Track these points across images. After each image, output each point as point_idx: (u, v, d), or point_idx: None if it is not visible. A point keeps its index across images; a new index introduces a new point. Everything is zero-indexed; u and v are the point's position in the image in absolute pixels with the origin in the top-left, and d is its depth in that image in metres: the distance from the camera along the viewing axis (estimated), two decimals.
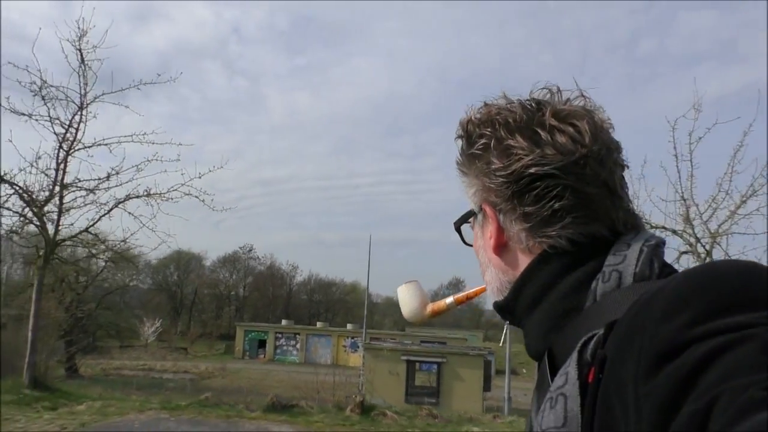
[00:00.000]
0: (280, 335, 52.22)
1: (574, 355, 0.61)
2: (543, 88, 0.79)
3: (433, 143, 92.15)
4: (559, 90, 0.79)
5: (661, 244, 0.72)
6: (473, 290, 0.96)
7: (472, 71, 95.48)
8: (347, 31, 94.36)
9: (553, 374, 0.66)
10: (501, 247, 0.78)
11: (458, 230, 0.87)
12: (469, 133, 0.80)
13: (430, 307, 1.02)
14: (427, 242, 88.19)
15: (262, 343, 52.50)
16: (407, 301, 1.04)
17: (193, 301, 68.12)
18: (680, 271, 0.62)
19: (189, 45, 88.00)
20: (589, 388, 0.58)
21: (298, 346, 51.72)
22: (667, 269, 0.69)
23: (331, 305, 73.41)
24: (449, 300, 1.01)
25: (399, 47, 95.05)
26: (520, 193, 0.74)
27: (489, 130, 0.77)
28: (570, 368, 0.60)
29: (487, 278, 0.82)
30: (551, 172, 0.72)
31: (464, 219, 0.85)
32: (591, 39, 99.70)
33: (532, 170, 0.72)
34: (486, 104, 0.80)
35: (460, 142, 0.82)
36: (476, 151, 0.78)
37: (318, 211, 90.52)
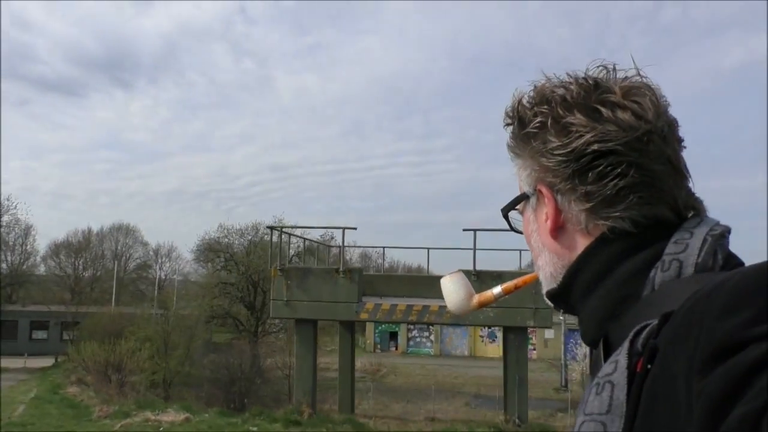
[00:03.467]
0: (412, 327, 52.02)
1: (626, 344, 0.60)
2: (599, 66, 0.75)
3: (444, 122, 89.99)
4: (615, 68, 0.75)
5: (726, 233, 0.69)
6: (522, 278, 0.95)
7: (484, 46, 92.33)
8: (356, 9, 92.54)
9: (607, 359, 0.64)
10: (558, 230, 0.75)
11: (506, 216, 0.83)
12: (521, 114, 0.76)
13: (477, 298, 1.00)
14: (439, 225, 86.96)
15: (393, 335, 52.40)
16: (453, 292, 1.01)
17: None
18: (746, 264, 0.61)
19: (194, 26, 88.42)
20: (636, 378, 0.57)
21: (432, 337, 51.37)
22: (733, 260, 0.67)
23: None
24: (497, 290, 0.98)
25: (409, 24, 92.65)
26: (581, 172, 0.71)
27: (545, 108, 0.74)
28: (620, 356, 0.59)
29: (540, 263, 0.78)
30: (615, 148, 0.69)
31: (515, 203, 0.81)
32: (611, 9, 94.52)
33: (595, 147, 0.70)
34: (536, 86, 0.77)
35: (510, 128, 0.79)
36: (531, 131, 0.75)
37: (330, 195, 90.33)
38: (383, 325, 52.85)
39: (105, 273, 55.24)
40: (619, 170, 0.69)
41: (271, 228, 13.98)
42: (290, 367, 22.58)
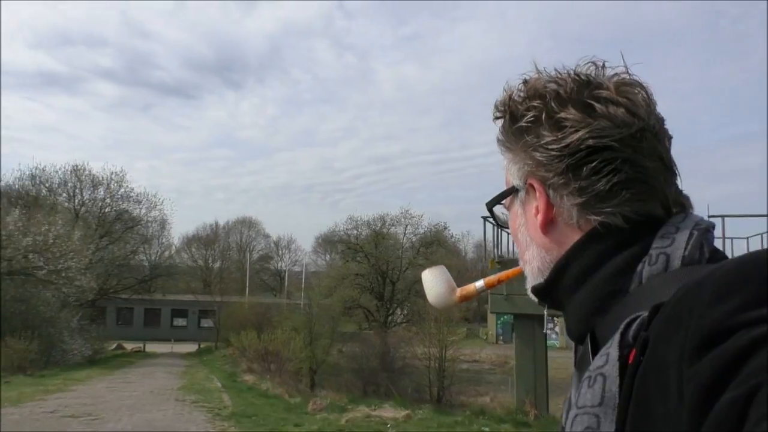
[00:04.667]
0: None
1: (617, 336, 0.60)
2: (588, 63, 0.76)
3: None
4: (604, 65, 0.75)
5: (711, 228, 0.70)
6: (505, 272, 0.94)
7: (589, 24, 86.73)
8: None
9: (594, 353, 0.65)
10: (548, 224, 0.74)
11: (491, 210, 0.84)
12: (513, 108, 0.77)
13: (459, 292, 0.99)
14: None
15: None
16: (433, 286, 1.00)
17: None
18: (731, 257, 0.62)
19: (296, 25, 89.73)
20: (628, 369, 0.57)
21: (557, 329, 49.70)
22: (718, 254, 0.68)
23: None
24: (479, 283, 0.98)
25: (508, 7, 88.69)
26: (575, 167, 0.71)
27: (538, 102, 0.74)
28: (611, 349, 0.60)
29: (527, 258, 0.78)
30: (609, 144, 0.70)
31: (502, 197, 0.81)
32: None
33: (589, 142, 0.70)
34: (526, 81, 0.77)
35: (500, 121, 0.79)
36: (524, 125, 0.75)
37: (432, 186, 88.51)
38: (506, 316, 51.73)
39: (232, 264, 57.98)
40: (612, 166, 0.69)
41: (486, 218, 13.45)
42: (429, 359, 22.29)
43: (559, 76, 0.75)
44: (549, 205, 0.74)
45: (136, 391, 13.23)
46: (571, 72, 0.75)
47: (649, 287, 0.65)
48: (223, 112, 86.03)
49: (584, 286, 0.70)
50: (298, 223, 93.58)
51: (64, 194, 35.64)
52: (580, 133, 0.70)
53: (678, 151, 0.76)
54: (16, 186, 33.52)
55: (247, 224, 61.57)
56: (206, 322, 47.50)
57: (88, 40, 79.68)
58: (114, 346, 34.72)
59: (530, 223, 0.77)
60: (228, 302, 37.94)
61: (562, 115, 0.72)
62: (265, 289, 56.71)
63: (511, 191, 0.80)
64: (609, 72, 0.75)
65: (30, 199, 32.10)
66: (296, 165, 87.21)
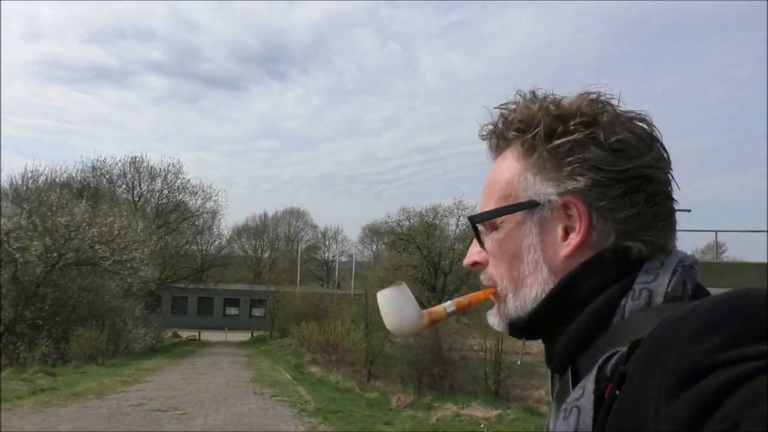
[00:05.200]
0: None
1: (594, 370, 0.61)
2: (582, 94, 0.75)
3: None
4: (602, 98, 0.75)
5: (695, 264, 0.71)
6: (476, 294, 0.84)
7: (645, 8, 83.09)
8: None
9: (575, 386, 0.66)
10: (579, 249, 0.71)
11: (474, 224, 0.77)
12: (550, 124, 0.73)
13: (427, 316, 0.84)
14: None
15: None
16: (396, 309, 0.83)
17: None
18: (713, 294, 0.62)
19: (341, 15, 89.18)
20: (603, 404, 0.58)
21: None
22: (701, 291, 0.69)
23: None
24: (449, 306, 0.84)
25: None
26: (631, 193, 0.70)
27: (587, 120, 0.72)
28: (588, 382, 0.60)
29: (529, 282, 0.73)
30: (661, 176, 0.72)
31: (511, 210, 0.75)
32: None
33: (648, 171, 0.70)
34: (564, 98, 0.75)
35: (522, 134, 0.75)
36: (568, 142, 0.71)
37: (477, 176, 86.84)
38: None
39: (280, 254, 58.51)
40: (658, 198, 0.71)
41: None
42: (485, 351, 21.87)
43: (602, 97, 0.74)
44: (590, 230, 0.71)
45: (212, 384, 13.22)
46: (606, 98, 0.74)
47: (630, 322, 0.64)
48: (267, 103, 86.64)
49: (577, 317, 0.69)
50: (342, 213, 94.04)
51: (123, 186, 36.39)
52: (643, 161, 0.70)
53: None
54: (78, 177, 34.32)
55: (295, 215, 62.00)
56: (257, 312, 48.08)
57: (139, 34, 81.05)
58: (170, 334, 35.37)
59: (549, 245, 0.72)
60: (279, 292, 38.19)
61: (621, 137, 0.70)
62: (313, 279, 57.05)
63: (526, 206, 0.74)
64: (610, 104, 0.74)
65: (92, 190, 32.81)
66: (340, 155, 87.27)
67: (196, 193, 38.62)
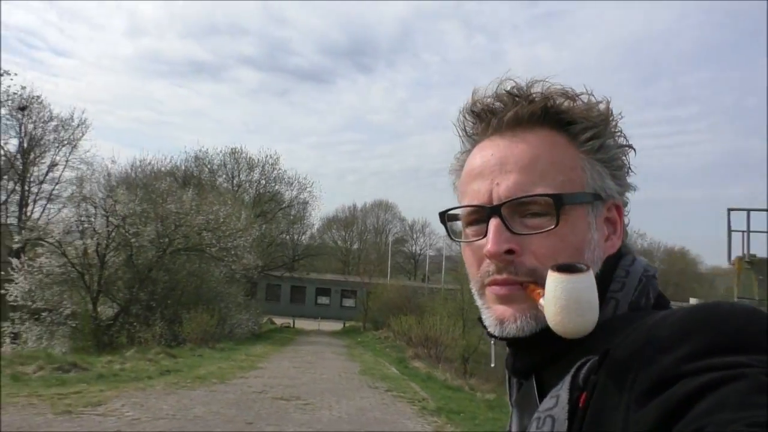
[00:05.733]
0: None
1: (567, 379, 0.60)
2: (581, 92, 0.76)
3: (695, 87, 75.80)
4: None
5: (656, 274, 0.73)
6: (536, 290, 0.78)
7: None
8: None
9: (540, 393, 0.68)
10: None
11: (561, 204, 0.70)
12: (602, 123, 0.75)
13: None
14: (690, 202, 73.63)
15: None
16: (586, 303, 0.63)
17: None
18: (683, 305, 0.64)
19: (427, 7, 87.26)
20: (578, 413, 0.58)
21: None
22: (662, 300, 0.71)
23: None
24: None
25: None
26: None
27: (610, 123, 0.76)
28: (561, 391, 0.60)
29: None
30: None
31: (580, 199, 0.71)
32: None
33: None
34: (606, 99, 0.76)
35: (590, 128, 0.74)
36: (624, 146, 0.76)
37: None
38: None
39: (369, 246, 58.94)
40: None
41: (730, 210, 11.79)
42: None
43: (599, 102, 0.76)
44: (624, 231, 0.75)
45: (324, 374, 13.20)
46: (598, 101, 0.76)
47: (600, 331, 0.62)
48: (354, 96, 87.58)
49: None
50: (424, 206, 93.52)
51: (223, 175, 37.64)
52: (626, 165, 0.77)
53: None
54: (183, 167, 35.82)
55: (384, 207, 62.16)
56: (348, 302, 48.65)
57: (232, 30, 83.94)
58: (265, 320, 36.35)
59: (599, 243, 0.72)
60: (370, 283, 38.34)
61: (623, 141, 0.77)
62: (400, 272, 57.09)
63: (594, 197, 0.73)
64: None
65: (194, 179, 34.13)
66: (425, 149, 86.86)
67: (292, 184, 39.45)
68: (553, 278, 0.64)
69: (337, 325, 39.62)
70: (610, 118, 0.75)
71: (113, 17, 77.98)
